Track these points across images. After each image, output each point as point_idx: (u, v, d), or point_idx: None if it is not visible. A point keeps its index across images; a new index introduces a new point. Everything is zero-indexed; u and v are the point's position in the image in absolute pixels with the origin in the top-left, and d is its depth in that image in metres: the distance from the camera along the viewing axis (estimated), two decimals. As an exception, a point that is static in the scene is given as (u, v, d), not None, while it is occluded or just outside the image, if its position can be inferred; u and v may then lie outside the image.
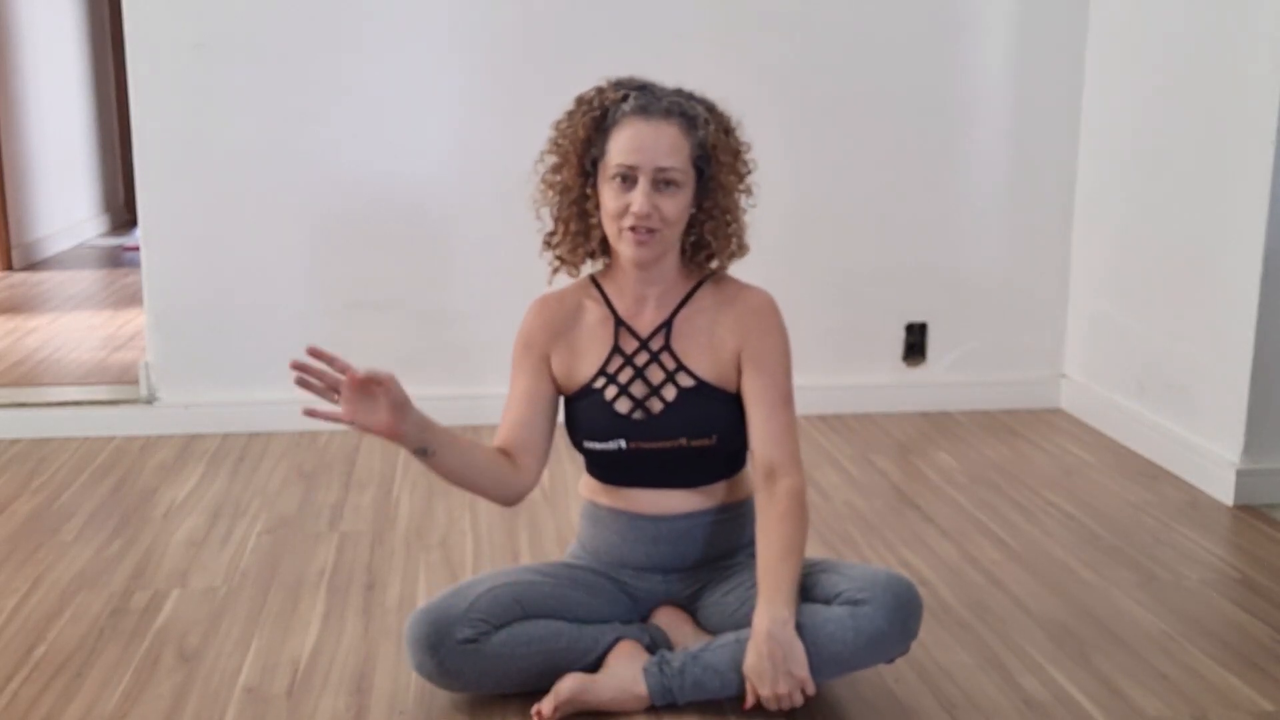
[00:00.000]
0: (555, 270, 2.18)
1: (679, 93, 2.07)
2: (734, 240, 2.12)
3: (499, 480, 2.10)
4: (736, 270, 2.18)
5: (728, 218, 2.10)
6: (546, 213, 2.15)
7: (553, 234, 2.15)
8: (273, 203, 3.59)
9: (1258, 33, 2.94)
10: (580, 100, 2.09)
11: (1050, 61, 3.72)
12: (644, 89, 2.06)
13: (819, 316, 3.74)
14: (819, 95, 3.68)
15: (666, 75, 2.13)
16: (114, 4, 6.72)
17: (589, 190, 2.08)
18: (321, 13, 3.52)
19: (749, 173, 2.12)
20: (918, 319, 3.84)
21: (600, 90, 2.08)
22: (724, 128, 2.08)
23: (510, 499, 2.14)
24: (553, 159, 2.11)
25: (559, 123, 2.11)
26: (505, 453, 2.12)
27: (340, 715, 2.06)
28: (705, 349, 2.11)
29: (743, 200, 2.13)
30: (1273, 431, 3.03)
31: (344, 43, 3.54)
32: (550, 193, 2.12)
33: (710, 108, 2.08)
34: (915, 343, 3.85)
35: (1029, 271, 3.85)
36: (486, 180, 3.61)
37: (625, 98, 2.04)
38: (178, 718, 2.05)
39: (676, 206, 2.03)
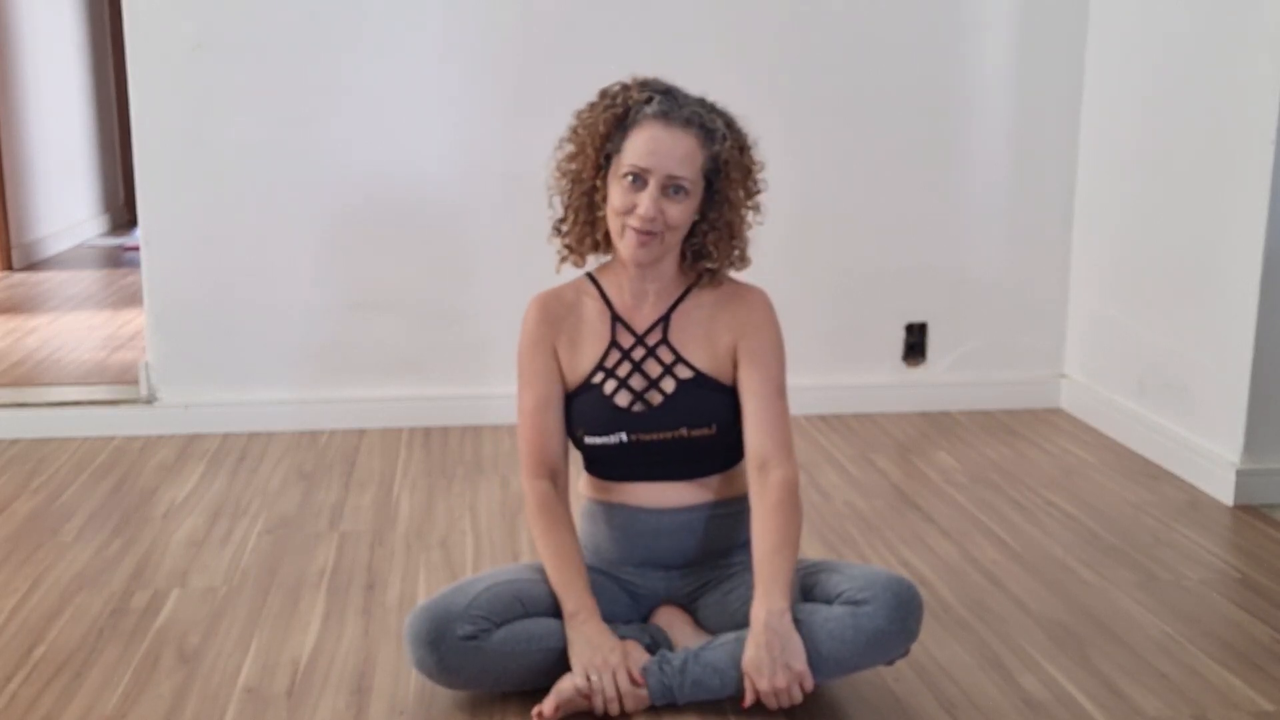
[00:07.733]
0: (563, 260, 2.19)
1: (702, 103, 2.09)
2: (735, 252, 2.15)
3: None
4: (739, 273, 2.20)
5: (730, 231, 2.12)
6: (558, 201, 2.17)
7: (563, 221, 2.17)
8: (273, 202, 3.59)
9: (1258, 33, 2.94)
10: (604, 94, 2.10)
11: (1050, 61, 3.72)
12: (668, 93, 2.08)
13: (819, 316, 3.74)
14: (819, 95, 3.68)
15: (667, 75, 2.15)
16: (114, 4, 6.72)
17: (599, 183, 2.09)
18: (321, 13, 3.52)
19: (759, 191, 2.14)
20: (918, 319, 3.84)
21: (625, 87, 2.09)
22: (740, 145, 2.10)
23: None
24: (570, 147, 2.13)
25: (580, 112, 2.12)
26: (554, 477, 2.16)
27: (340, 715, 2.06)
28: (702, 343, 2.14)
29: (750, 217, 2.15)
30: (1273, 431, 3.03)
31: (344, 43, 3.54)
32: (564, 180, 2.14)
33: (729, 123, 2.10)
34: (915, 343, 3.85)
35: (1029, 271, 3.85)
36: (488, 179, 3.61)
37: (649, 100, 2.06)
38: (177, 718, 2.05)
39: (682, 214, 2.05)
